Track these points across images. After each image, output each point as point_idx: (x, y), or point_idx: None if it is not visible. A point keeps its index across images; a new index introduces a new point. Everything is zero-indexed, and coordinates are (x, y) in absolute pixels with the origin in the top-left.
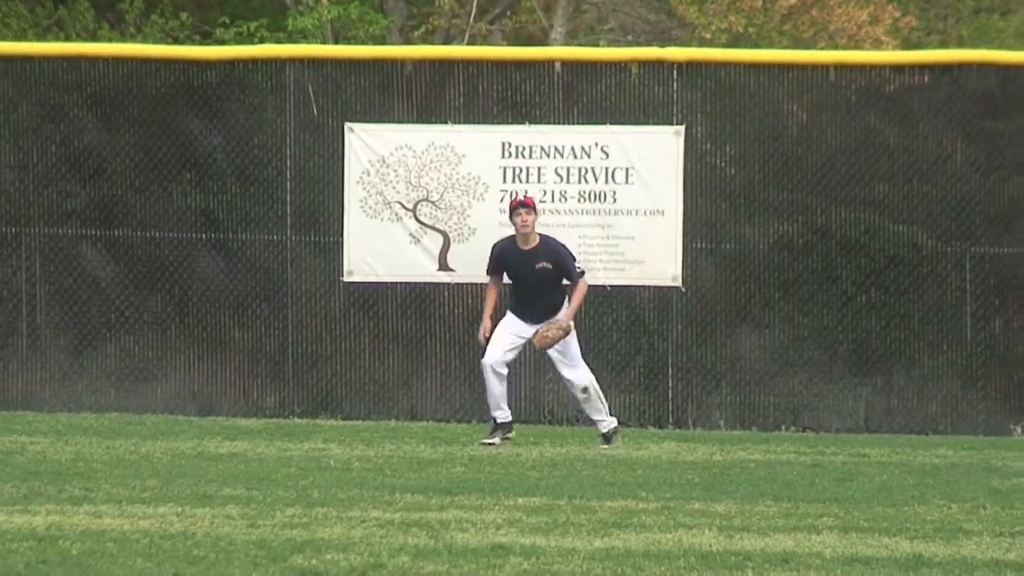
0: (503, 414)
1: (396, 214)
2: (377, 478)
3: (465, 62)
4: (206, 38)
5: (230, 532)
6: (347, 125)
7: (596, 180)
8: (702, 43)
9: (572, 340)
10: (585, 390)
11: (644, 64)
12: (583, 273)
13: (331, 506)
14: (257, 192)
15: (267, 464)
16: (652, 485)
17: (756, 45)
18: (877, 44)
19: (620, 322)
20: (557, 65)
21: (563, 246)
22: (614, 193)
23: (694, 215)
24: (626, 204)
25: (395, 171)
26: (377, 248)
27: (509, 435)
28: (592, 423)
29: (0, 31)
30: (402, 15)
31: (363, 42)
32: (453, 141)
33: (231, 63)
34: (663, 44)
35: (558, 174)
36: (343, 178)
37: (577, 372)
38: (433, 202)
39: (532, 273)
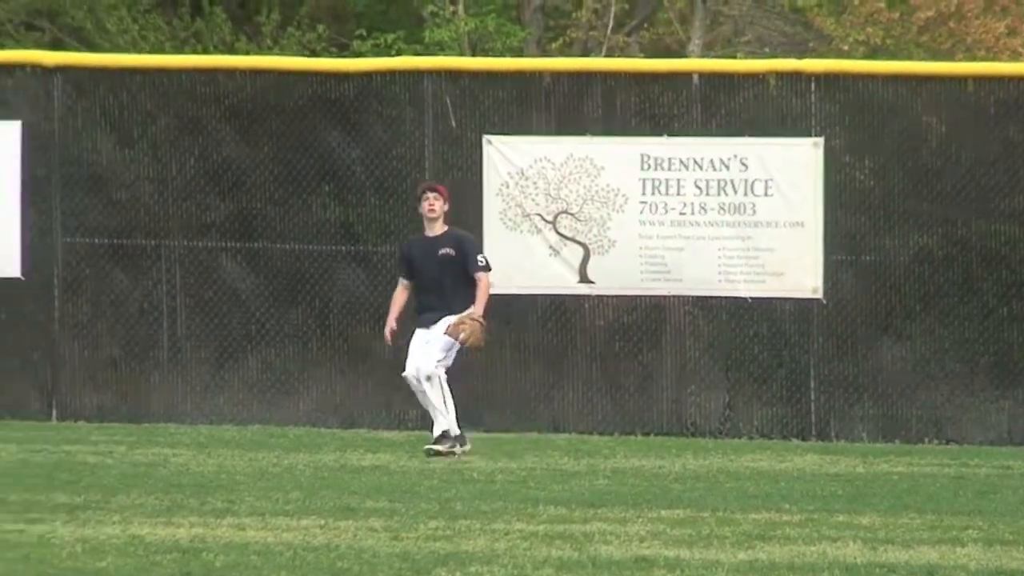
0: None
1: (535, 226)
2: (520, 490)
3: (603, 74)
4: (343, 50)
5: (373, 545)
6: (485, 137)
7: (735, 192)
8: (839, 55)
9: (442, 333)
10: (429, 379)
11: (782, 76)
12: (488, 269)
13: (474, 518)
14: (396, 204)
15: (410, 476)
16: (795, 497)
17: (893, 57)
18: (1015, 56)
19: (761, 335)
20: (695, 77)
21: (471, 238)
22: (753, 205)
23: (834, 227)
24: (765, 216)
25: (534, 183)
26: (517, 260)
27: (458, 448)
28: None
29: (138, 44)
30: (540, 27)
31: (501, 54)
32: (592, 153)
33: (369, 75)
34: (800, 56)
35: (697, 186)
36: (482, 190)
37: (425, 360)
38: (573, 214)
39: (435, 260)
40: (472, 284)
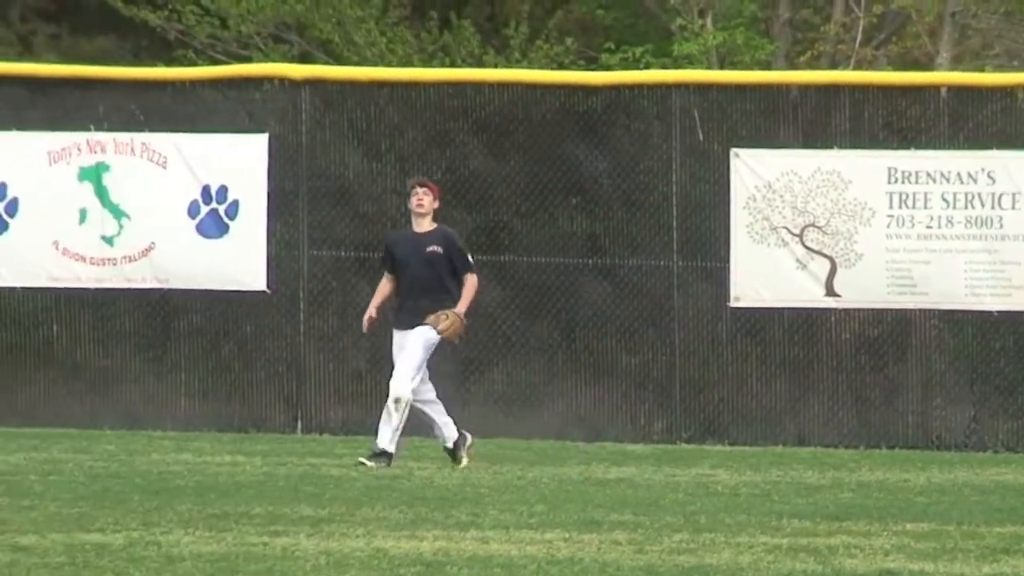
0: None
1: (782, 239)
2: (764, 503)
3: (851, 87)
4: (591, 64)
5: (617, 558)
6: (732, 151)
7: (982, 206)
8: None
9: (417, 344)
10: (397, 401)
11: None
12: (474, 270)
13: (718, 531)
14: (643, 217)
15: (654, 490)
16: None
17: None
18: None
19: (1007, 348)
20: (943, 90)
21: (458, 237)
22: (1000, 219)
23: None
24: (1012, 229)
25: (781, 196)
26: (764, 273)
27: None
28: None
29: (386, 57)
30: (787, 40)
31: (748, 67)
32: (839, 166)
33: (616, 89)
34: None
35: (944, 200)
36: (729, 203)
37: (399, 382)
38: (819, 227)
39: (421, 257)
40: (456, 283)
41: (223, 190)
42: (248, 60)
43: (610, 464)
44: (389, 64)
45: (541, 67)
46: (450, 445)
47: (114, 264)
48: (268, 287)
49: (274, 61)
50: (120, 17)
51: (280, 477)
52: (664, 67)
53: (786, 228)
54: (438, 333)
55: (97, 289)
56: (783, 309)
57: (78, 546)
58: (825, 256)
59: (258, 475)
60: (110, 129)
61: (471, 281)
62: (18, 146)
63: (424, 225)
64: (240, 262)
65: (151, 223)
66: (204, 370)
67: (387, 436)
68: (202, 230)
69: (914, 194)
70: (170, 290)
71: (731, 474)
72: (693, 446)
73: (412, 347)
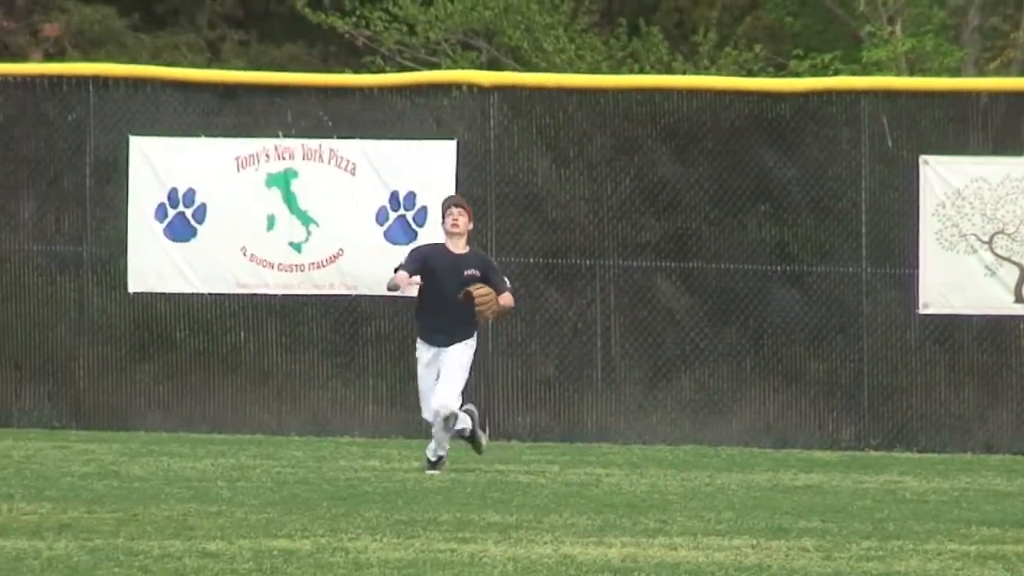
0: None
1: (971, 246)
2: (953, 511)
3: None
4: (780, 70)
5: (805, 565)
6: (922, 157)
7: None
8: None
9: (459, 362)
10: (447, 420)
11: None
12: (510, 290)
13: (907, 539)
14: (831, 224)
15: (842, 497)
16: None
17: None
18: None
19: None
20: None
21: (494, 263)
22: None
23: None
24: None
25: (971, 203)
26: (952, 280)
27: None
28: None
29: (574, 63)
30: (977, 47)
31: (937, 74)
32: None
33: (805, 95)
34: None
35: None
36: (918, 210)
37: (446, 399)
38: (1009, 235)
39: (459, 278)
40: None
41: (411, 196)
42: (436, 66)
43: (798, 471)
44: (577, 70)
45: (729, 74)
46: (467, 434)
47: (302, 270)
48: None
49: (462, 67)
50: (308, 24)
51: (468, 483)
52: (853, 74)
53: (975, 235)
54: (476, 300)
55: (285, 295)
56: (972, 316)
57: (265, 552)
58: (1014, 263)
59: (446, 482)
60: (298, 136)
61: (509, 298)
62: (206, 152)
63: (459, 246)
64: None
65: (339, 230)
66: (392, 376)
67: (445, 443)
68: (390, 236)
69: None
70: (358, 296)
71: (919, 481)
72: (881, 453)
73: (454, 364)
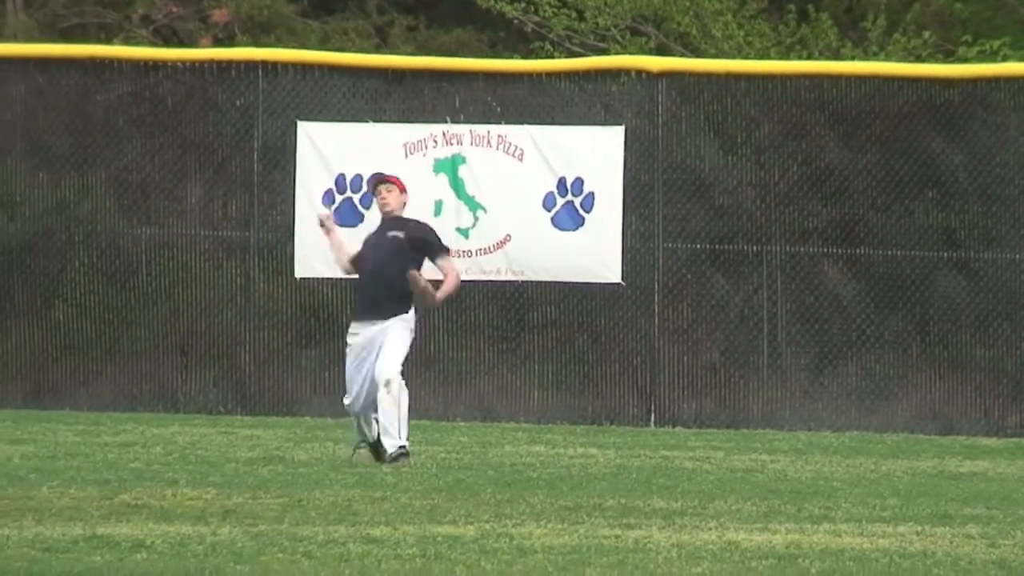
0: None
1: None
2: None
3: None
4: (949, 56)
5: (969, 552)
6: None
7: None
8: None
9: (400, 333)
10: (388, 384)
11: None
12: (448, 253)
13: None
14: (999, 211)
15: (1008, 483)
16: None
17: None
18: None
19: None
20: None
21: (429, 226)
22: None
23: None
24: None
25: None
26: None
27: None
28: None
29: (743, 49)
30: None
31: None
32: None
33: (974, 81)
34: None
35: None
36: None
37: (386, 363)
38: None
39: (383, 243)
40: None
41: (579, 182)
42: (605, 52)
43: (963, 458)
44: (746, 57)
45: (898, 60)
46: (372, 439)
47: (469, 256)
48: (623, 279)
49: (631, 53)
50: (477, 9)
51: (633, 469)
52: (1022, 60)
53: None
54: (414, 289)
55: None
56: None
57: (429, 538)
58: None
59: (611, 467)
60: (466, 121)
61: (451, 273)
62: (374, 138)
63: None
64: (595, 254)
65: (507, 215)
66: (558, 362)
67: (395, 432)
68: (558, 222)
69: None
70: (525, 282)
71: None
72: None
73: (394, 336)
